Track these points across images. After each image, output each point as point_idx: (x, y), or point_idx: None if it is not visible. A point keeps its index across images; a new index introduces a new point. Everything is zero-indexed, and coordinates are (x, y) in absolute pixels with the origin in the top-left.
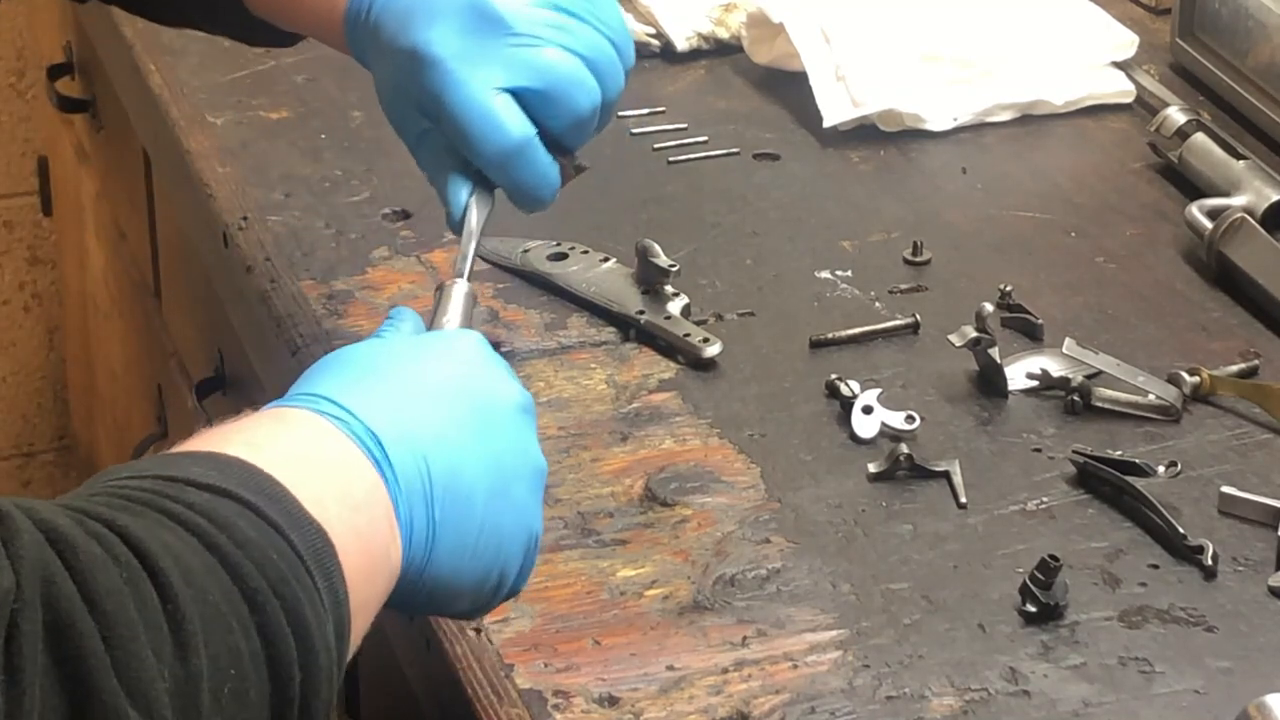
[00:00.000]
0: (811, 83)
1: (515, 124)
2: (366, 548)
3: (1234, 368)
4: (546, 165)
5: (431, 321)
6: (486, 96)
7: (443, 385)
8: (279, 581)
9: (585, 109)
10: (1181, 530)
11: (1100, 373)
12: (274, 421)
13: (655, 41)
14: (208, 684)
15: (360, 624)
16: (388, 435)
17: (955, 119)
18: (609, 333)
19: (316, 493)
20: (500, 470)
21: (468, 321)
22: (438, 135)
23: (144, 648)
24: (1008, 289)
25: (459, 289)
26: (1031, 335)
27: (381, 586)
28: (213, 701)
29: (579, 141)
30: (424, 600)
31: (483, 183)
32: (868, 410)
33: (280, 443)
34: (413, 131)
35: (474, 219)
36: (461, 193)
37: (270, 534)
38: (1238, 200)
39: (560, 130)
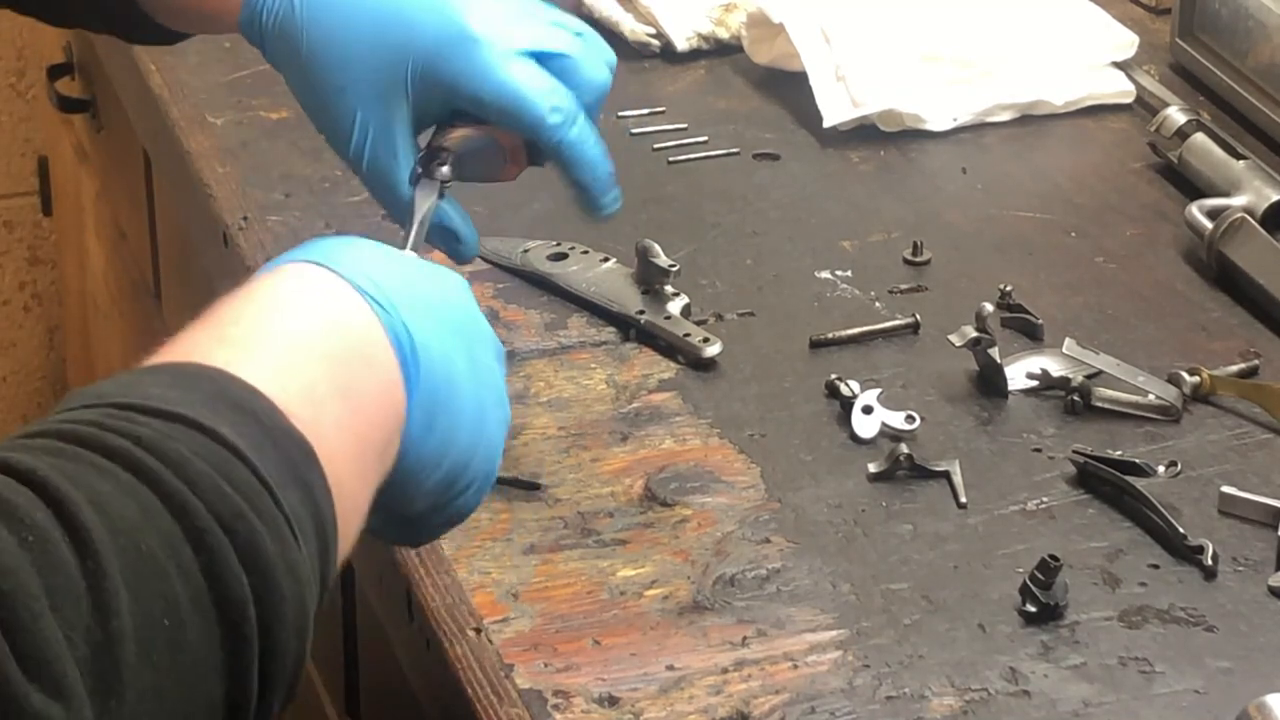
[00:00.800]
0: (811, 83)
1: (565, 93)
2: (361, 446)
3: (1234, 368)
4: (596, 134)
5: None
6: (531, 69)
7: (453, 314)
8: (232, 516)
9: (606, 80)
10: (1181, 530)
11: (1100, 373)
12: (296, 288)
13: (655, 41)
14: (133, 642)
15: (352, 523)
16: (419, 335)
17: (955, 119)
18: (609, 333)
19: (312, 386)
20: (481, 413)
21: None
22: (383, 117)
23: (48, 625)
24: (1008, 289)
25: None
26: (1031, 335)
27: (374, 481)
28: (140, 658)
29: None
30: (400, 487)
31: (429, 182)
32: (868, 410)
33: (286, 326)
34: (356, 117)
35: (426, 202)
36: (408, 160)
37: (229, 462)
38: (1238, 200)
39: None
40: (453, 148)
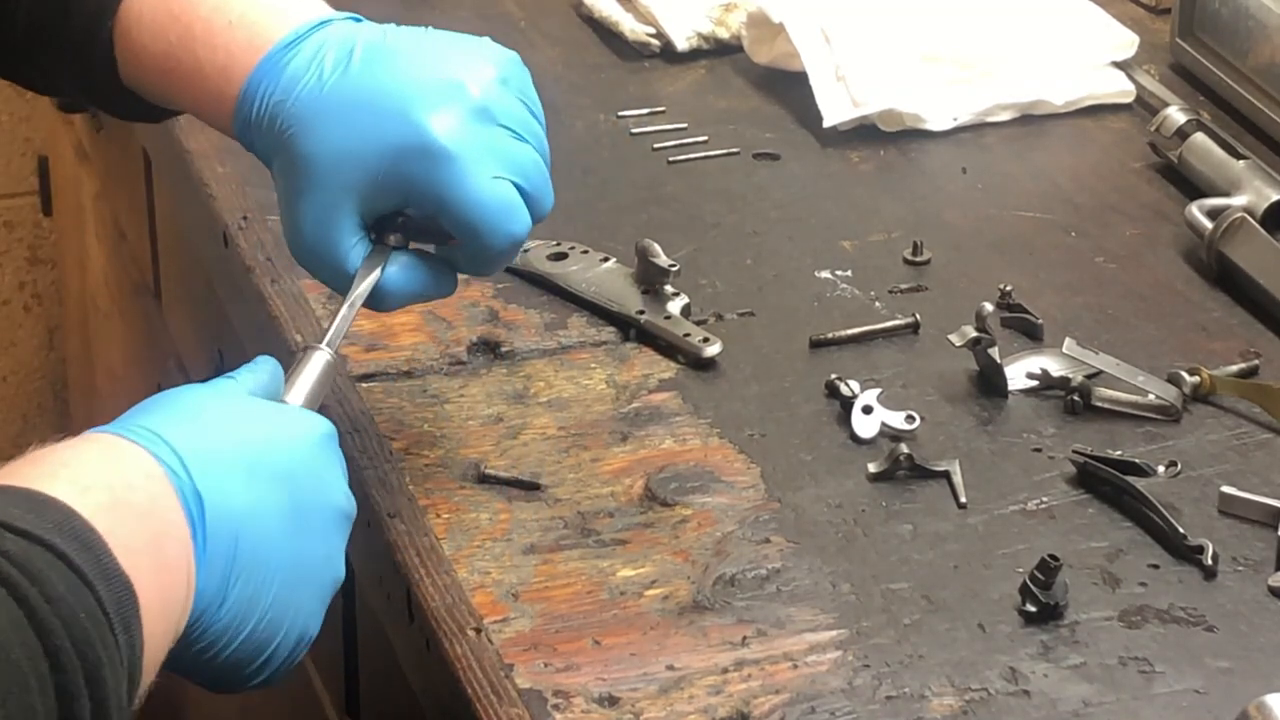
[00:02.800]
0: (811, 83)
1: (525, 217)
2: (165, 607)
3: (1234, 368)
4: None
5: (286, 383)
6: (500, 187)
7: (276, 468)
8: (84, 642)
9: (544, 212)
10: (1181, 530)
11: (1100, 373)
12: (106, 456)
13: (655, 41)
14: None
15: (151, 673)
16: (212, 504)
17: (955, 119)
18: (609, 333)
19: (132, 543)
20: (298, 571)
21: (317, 395)
22: (336, 210)
23: None
24: (1008, 289)
25: (319, 358)
26: (1031, 335)
27: (172, 636)
28: None
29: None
30: (197, 648)
31: (378, 250)
32: (868, 410)
33: (107, 483)
34: (325, 218)
35: (361, 285)
36: (358, 259)
37: (80, 590)
38: (1238, 200)
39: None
40: (407, 215)
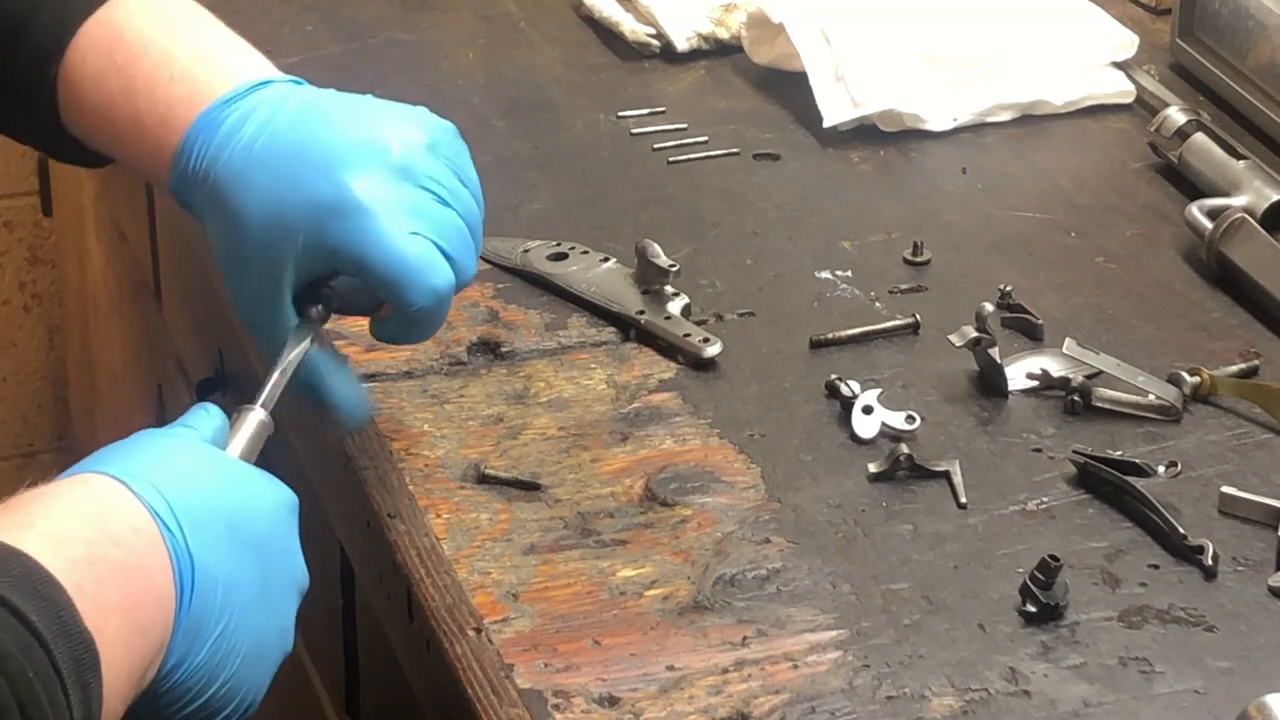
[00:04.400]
0: (811, 83)
1: (447, 271)
2: (131, 665)
3: (1234, 368)
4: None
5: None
6: (417, 242)
7: (252, 536)
8: (29, 701)
9: (467, 277)
10: (1181, 530)
11: (1100, 373)
12: (95, 504)
13: (655, 41)
14: None
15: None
16: (202, 567)
17: (955, 119)
18: (609, 333)
19: (104, 601)
20: (261, 642)
21: (252, 454)
22: (268, 271)
23: None
24: (1008, 289)
25: (254, 416)
26: (1031, 335)
27: (132, 695)
28: None
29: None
30: (152, 709)
31: (305, 322)
32: (868, 410)
33: (87, 536)
34: (257, 273)
35: (292, 352)
36: (289, 322)
37: (31, 647)
38: (1238, 200)
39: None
40: (332, 288)
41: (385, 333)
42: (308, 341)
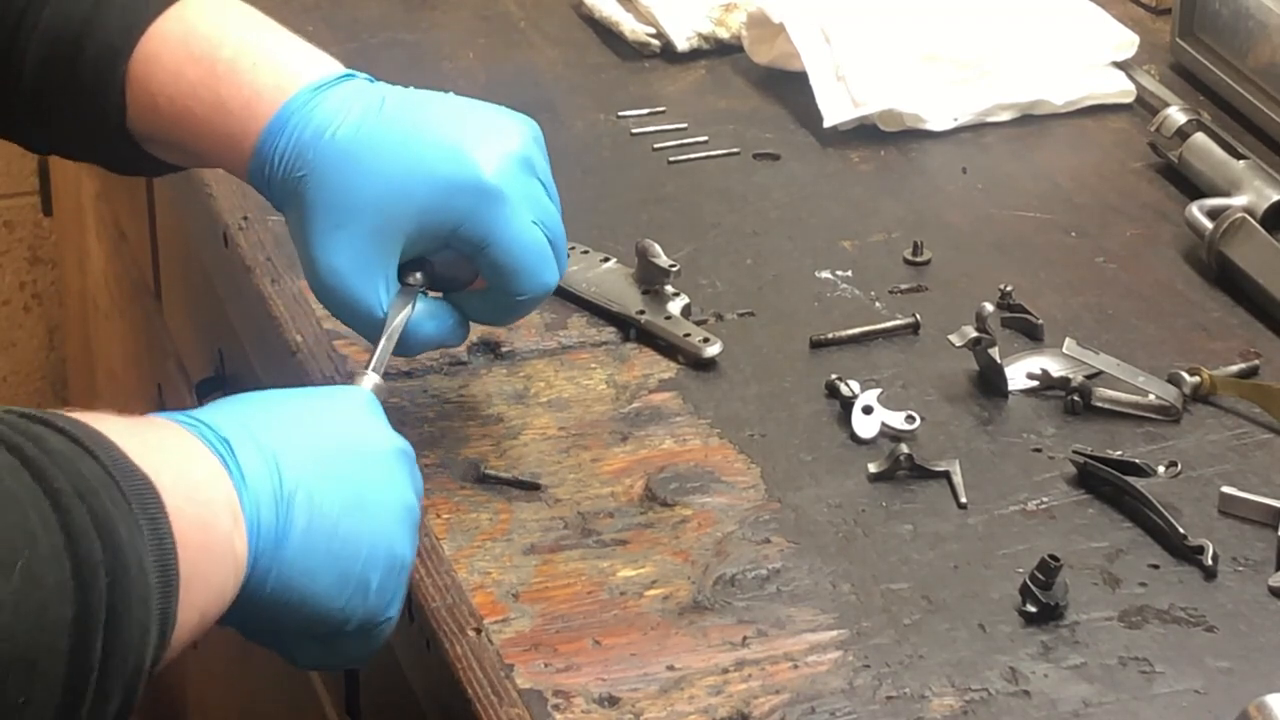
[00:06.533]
0: (811, 83)
1: (554, 265)
2: (202, 524)
3: (1234, 368)
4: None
5: None
6: (538, 233)
7: (307, 415)
8: (87, 491)
9: (560, 274)
10: (1181, 530)
11: (1100, 373)
12: (122, 418)
13: (655, 41)
14: None
15: (200, 600)
16: (235, 437)
17: (955, 119)
18: (609, 333)
19: (153, 465)
20: (360, 493)
21: None
22: (379, 242)
23: None
24: (1008, 289)
25: (369, 382)
26: (1031, 335)
27: (224, 573)
28: (2, 571)
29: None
30: (273, 611)
31: (406, 289)
32: (868, 410)
33: (123, 425)
34: (348, 251)
35: (398, 317)
36: (388, 297)
37: (86, 460)
38: (1238, 200)
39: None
40: (429, 261)
41: (476, 311)
42: (410, 307)
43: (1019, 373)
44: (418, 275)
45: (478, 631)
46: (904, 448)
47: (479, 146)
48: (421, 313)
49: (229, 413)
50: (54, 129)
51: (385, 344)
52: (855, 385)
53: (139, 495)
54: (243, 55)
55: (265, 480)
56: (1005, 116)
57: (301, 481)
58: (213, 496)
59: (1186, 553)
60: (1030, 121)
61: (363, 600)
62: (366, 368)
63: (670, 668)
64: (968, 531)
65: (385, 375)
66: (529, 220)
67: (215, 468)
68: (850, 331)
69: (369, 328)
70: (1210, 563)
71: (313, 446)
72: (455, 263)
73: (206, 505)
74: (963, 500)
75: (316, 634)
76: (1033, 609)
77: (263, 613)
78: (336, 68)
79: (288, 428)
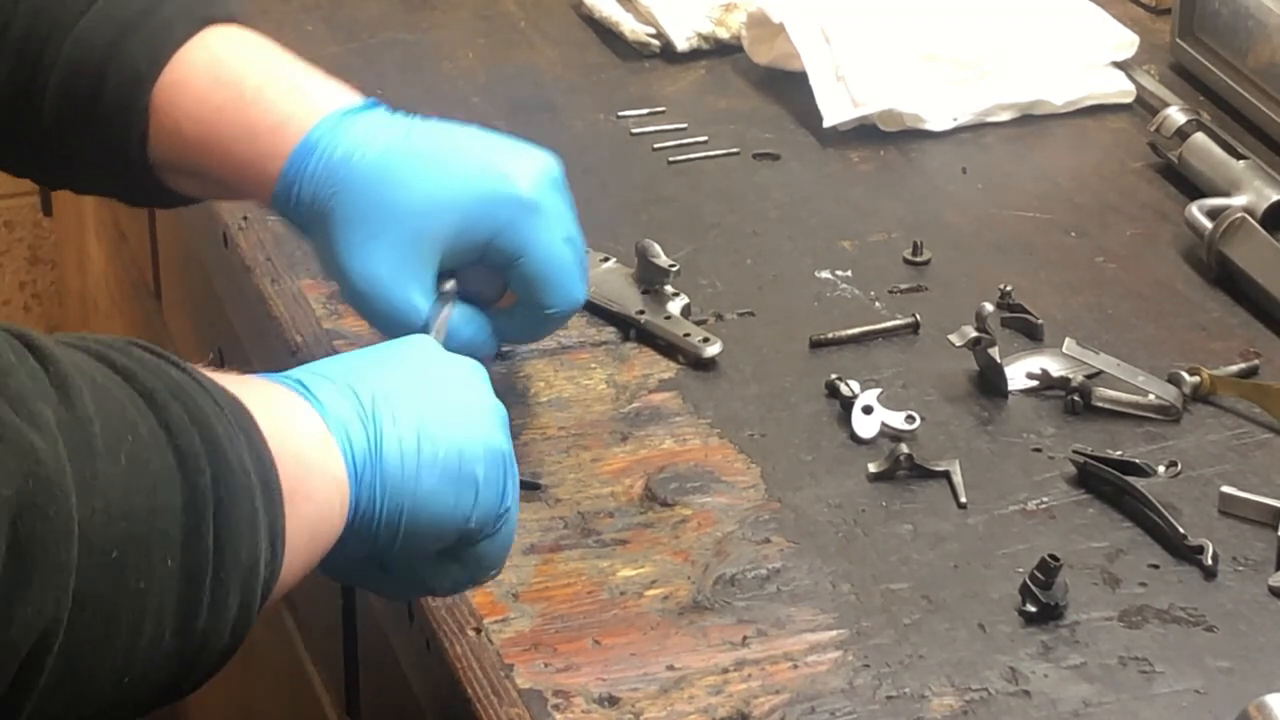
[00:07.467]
0: (811, 83)
1: (582, 284)
2: (295, 449)
3: (1234, 368)
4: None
5: None
6: (570, 250)
7: (371, 354)
8: (180, 393)
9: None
10: (1181, 530)
11: (1100, 373)
12: (270, 393)
13: (655, 41)
14: (100, 432)
15: (307, 515)
16: (304, 376)
17: (955, 119)
18: (609, 333)
19: (237, 393)
20: (441, 399)
21: None
22: (416, 252)
23: (24, 379)
24: (1008, 289)
25: None
26: (1031, 335)
27: (326, 491)
28: (108, 451)
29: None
30: (393, 533)
31: (443, 296)
32: (868, 410)
33: (267, 409)
34: (384, 265)
35: (437, 321)
36: (426, 305)
37: (175, 370)
38: (1238, 200)
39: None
40: (462, 275)
41: (503, 328)
42: (449, 311)
43: (1019, 373)
44: (452, 282)
45: (478, 631)
46: (904, 448)
47: (514, 164)
48: (458, 318)
49: (290, 370)
50: (73, 161)
51: (439, 326)
52: (855, 385)
53: (231, 406)
54: (270, 83)
55: (345, 403)
56: (1005, 116)
57: (380, 397)
58: (299, 428)
59: (1186, 553)
60: (1030, 121)
61: (473, 495)
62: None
63: (670, 668)
64: (968, 531)
65: None
66: (561, 236)
67: (294, 399)
68: (850, 331)
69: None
70: (1210, 563)
71: (384, 371)
72: (484, 277)
73: (294, 435)
74: (963, 500)
75: (448, 551)
76: (1033, 609)
77: (386, 538)
78: (360, 98)
79: (353, 363)
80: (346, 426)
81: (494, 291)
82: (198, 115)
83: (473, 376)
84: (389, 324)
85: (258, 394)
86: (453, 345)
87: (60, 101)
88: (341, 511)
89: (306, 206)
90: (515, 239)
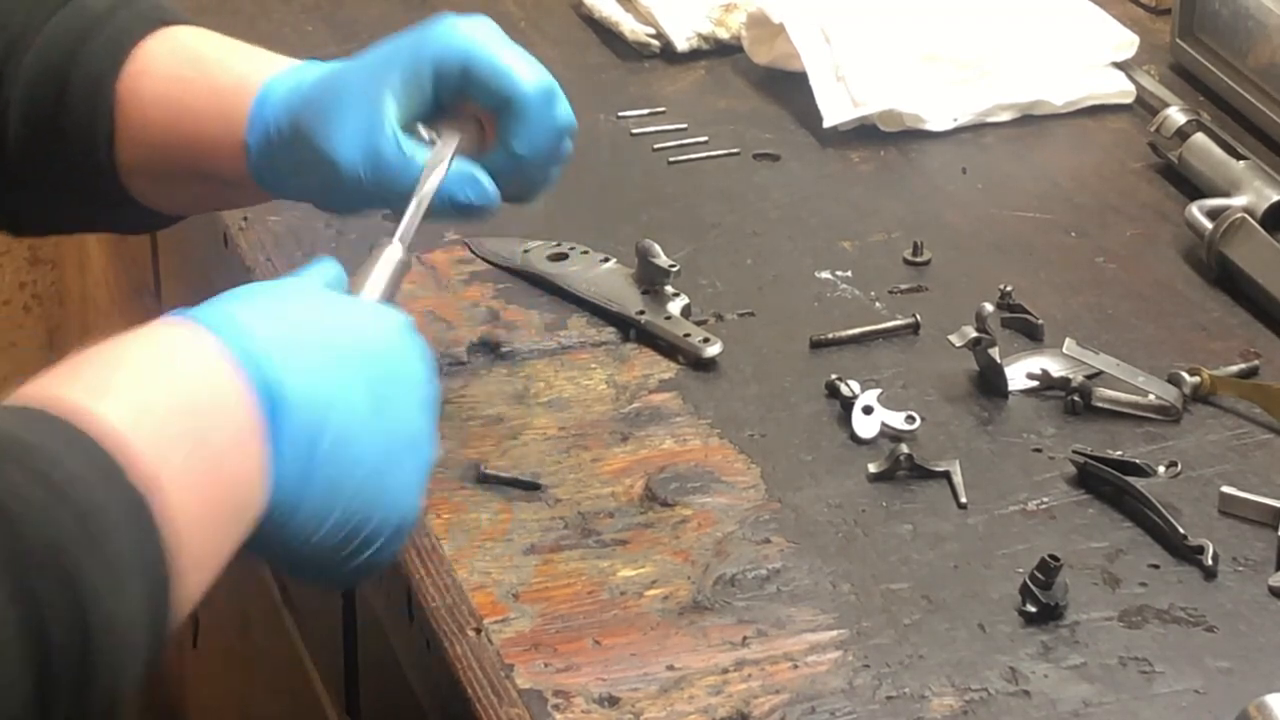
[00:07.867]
0: (811, 83)
1: (565, 102)
2: (216, 492)
3: (1234, 368)
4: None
5: (352, 282)
6: (511, 44)
7: (351, 350)
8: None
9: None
10: (1181, 530)
11: (1100, 373)
12: (154, 351)
13: (655, 41)
14: None
15: (203, 569)
16: (293, 386)
17: (955, 119)
18: (609, 333)
19: (160, 433)
20: (390, 444)
21: (390, 293)
22: (377, 109)
23: None
24: (1008, 289)
25: (391, 253)
26: (1031, 335)
27: (234, 532)
28: None
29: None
30: (282, 536)
31: (434, 150)
32: (868, 410)
33: (141, 386)
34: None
35: (427, 183)
36: (417, 157)
37: (50, 496)
38: (1238, 200)
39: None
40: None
41: (496, 175)
42: (443, 168)
43: (1019, 373)
44: (434, 133)
45: (478, 631)
46: (904, 448)
47: (439, 19)
48: (453, 175)
49: (276, 344)
50: (42, 185)
51: (414, 209)
52: (855, 385)
53: (133, 514)
54: (230, 53)
55: (304, 442)
56: (1005, 116)
57: (339, 438)
58: (240, 455)
59: (1186, 553)
60: (1030, 121)
61: (363, 541)
62: (392, 236)
63: (670, 668)
64: (968, 531)
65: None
66: (494, 34)
67: (250, 423)
68: (850, 331)
69: (405, 187)
70: (1210, 563)
71: (353, 388)
72: (469, 125)
73: (227, 470)
74: (963, 500)
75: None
76: (1033, 609)
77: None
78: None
79: (332, 368)
80: (289, 466)
81: (473, 141)
82: (163, 92)
83: (416, 403)
84: (389, 180)
85: (201, 434)
86: (459, 201)
87: (25, 118)
88: (263, 484)
89: (276, 139)
90: (457, 51)
